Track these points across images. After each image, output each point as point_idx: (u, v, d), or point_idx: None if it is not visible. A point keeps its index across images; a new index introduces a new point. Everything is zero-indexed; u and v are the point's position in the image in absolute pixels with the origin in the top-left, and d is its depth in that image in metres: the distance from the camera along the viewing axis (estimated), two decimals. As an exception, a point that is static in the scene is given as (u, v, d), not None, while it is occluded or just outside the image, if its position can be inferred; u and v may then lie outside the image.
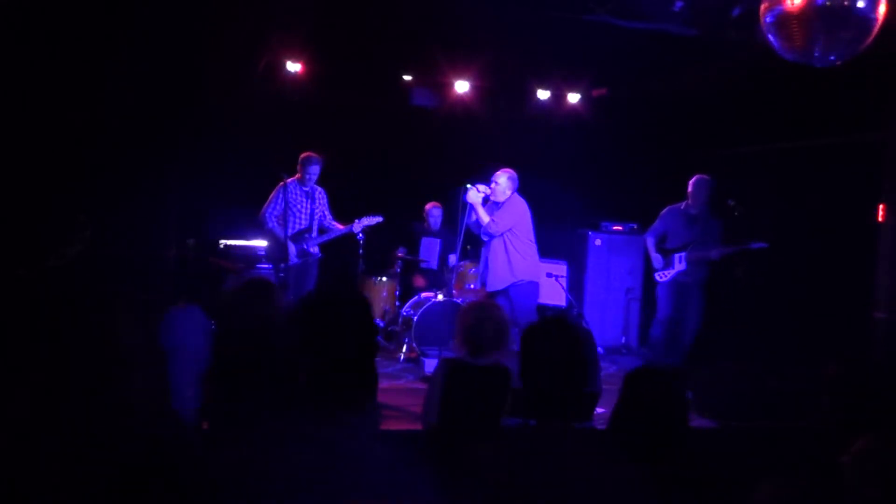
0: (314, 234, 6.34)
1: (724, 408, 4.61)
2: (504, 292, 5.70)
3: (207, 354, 3.52)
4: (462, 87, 7.19)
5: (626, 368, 3.10)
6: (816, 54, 3.55)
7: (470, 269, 6.71)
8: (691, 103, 6.94)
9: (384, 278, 6.92)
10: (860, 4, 3.40)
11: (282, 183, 6.09)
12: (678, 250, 6.08)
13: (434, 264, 7.33)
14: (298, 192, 6.26)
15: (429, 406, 3.23)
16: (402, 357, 6.32)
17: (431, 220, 7.36)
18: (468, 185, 5.65)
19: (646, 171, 7.42)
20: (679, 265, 6.06)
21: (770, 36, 3.66)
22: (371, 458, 1.65)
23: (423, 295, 6.53)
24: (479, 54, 6.65)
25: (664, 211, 6.23)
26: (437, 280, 7.11)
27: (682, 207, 6.13)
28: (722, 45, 5.35)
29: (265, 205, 6.25)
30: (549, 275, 6.70)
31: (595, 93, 7.67)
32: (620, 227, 7.74)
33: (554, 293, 7.08)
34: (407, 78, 7.19)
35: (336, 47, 6.60)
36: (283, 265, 6.13)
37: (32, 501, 1.43)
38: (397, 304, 6.89)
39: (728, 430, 4.44)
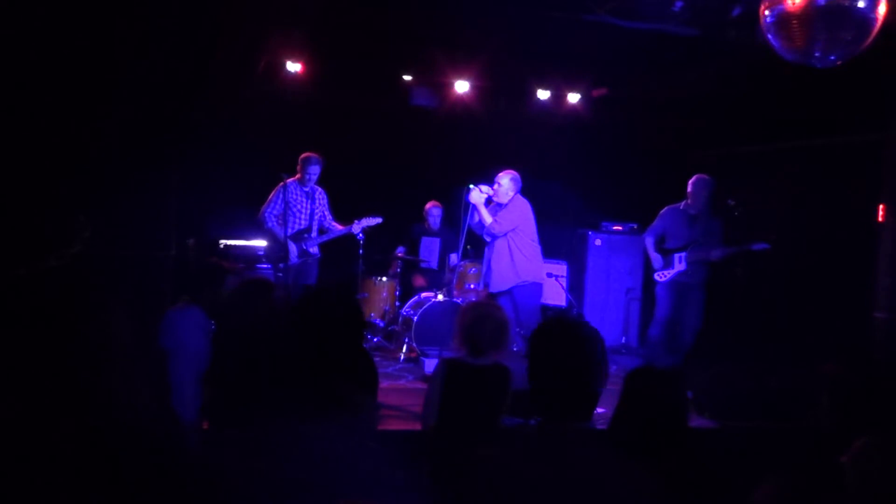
0: (314, 234, 6.34)
1: (724, 408, 4.61)
2: (507, 293, 5.71)
3: (207, 354, 3.52)
4: (462, 87, 7.19)
5: (626, 368, 3.10)
6: (816, 54, 3.55)
7: (470, 269, 6.71)
8: (691, 103, 6.94)
9: (384, 278, 6.92)
10: (860, 4, 3.40)
11: (281, 183, 6.09)
12: (678, 250, 6.07)
13: (434, 264, 7.33)
14: (298, 192, 6.26)
15: (429, 406, 3.23)
16: (402, 357, 6.32)
17: (431, 220, 7.36)
18: (471, 186, 5.66)
19: (646, 171, 7.42)
20: (679, 265, 6.05)
21: (770, 36, 3.66)
22: (365, 457, 1.65)
23: (423, 295, 6.53)
24: (479, 54, 6.64)
25: (663, 211, 6.22)
26: (437, 280, 7.11)
27: (682, 207, 6.12)
28: (722, 44, 5.35)
29: (264, 204, 6.25)
30: (549, 275, 6.70)
31: (595, 93, 7.67)
32: (620, 227, 7.74)
33: (554, 293, 7.08)
34: (407, 78, 7.19)
35: (336, 47, 6.60)
36: (282, 265, 6.14)
37: (32, 501, 1.43)
38: (397, 304, 6.89)
39: (728, 430, 4.44)
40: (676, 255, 6.07)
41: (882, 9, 3.44)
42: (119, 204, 4.91)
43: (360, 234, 6.30)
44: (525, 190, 5.77)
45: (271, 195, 6.23)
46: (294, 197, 6.23)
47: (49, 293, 1.63)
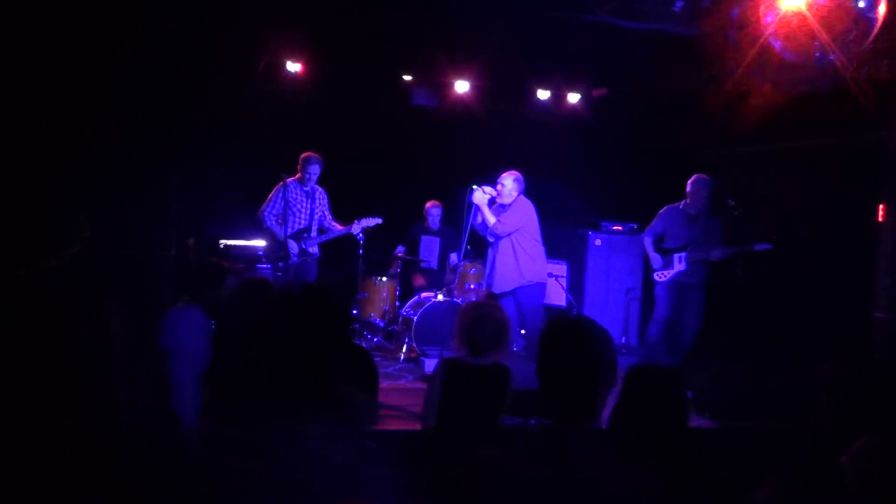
0: (313, 233, 6.34)
1: (724, 408, 4.61)
2: (511, 293, 5.72)
3: (207, 354, 3.52)
4: (462, 87, 7.19)
5: (626, 368, 3.10)
6: (816, 54, 3.55)
7: (470, 269, 6.72)
8: (691, 103, 6.93)
9: (384, 278, 6.92)
10: (860, 4, 3.40)
11: (281, 182, 6.09)
12: (678, 250, 6.06)
13: (434, 264, 7.33)
14: (298, 192, 6.26)
15: (429, 406, 3.23)
16: (402, 357, 6.32)
17: (431, 219, 7.36)
18: (474, 187, 5.67)
19: (646, 171, 7.41)
20: (679, 265, 6.04)
21: (770, 36, 3.66)
22: (362, 456, 1.65)
23: (423, 295, 6.53)
24: (479, 54, 6.64)
25: (662, 210, 6.21)
26: (437, 280, 7.11)
27: (681, 207, 6.11)
28: (722, 44, 5.34)
29: (264, 204, 6.26)
30: (549, 275, 6.70)
31: (595, 93, 7.67)
32: (620, 227, 7.73)
33: (554, 293, 7.08)
34: (407, 78, 7.19)
35: (336, 47, 6.60)
36: (281, 264, 6.14)
37: (30, 500, 1.43)
38: (397, 304, 6.89)
39: (728, 430, 4.44)
40: (676, 255, 6.06)
41: (882, 9, 3.45)
42: (119, 204, 4.91)
43: (360, 235, 6.30)
44: (525, 190, 5.78)
45: (271, 194, 6.24)
46: (294, 196, 6.24)
47: (49, 293, 1.63)
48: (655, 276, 6.18)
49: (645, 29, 5.19)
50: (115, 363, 1.65)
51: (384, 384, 4.90)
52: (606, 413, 2.10)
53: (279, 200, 6.15)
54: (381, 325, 6.86)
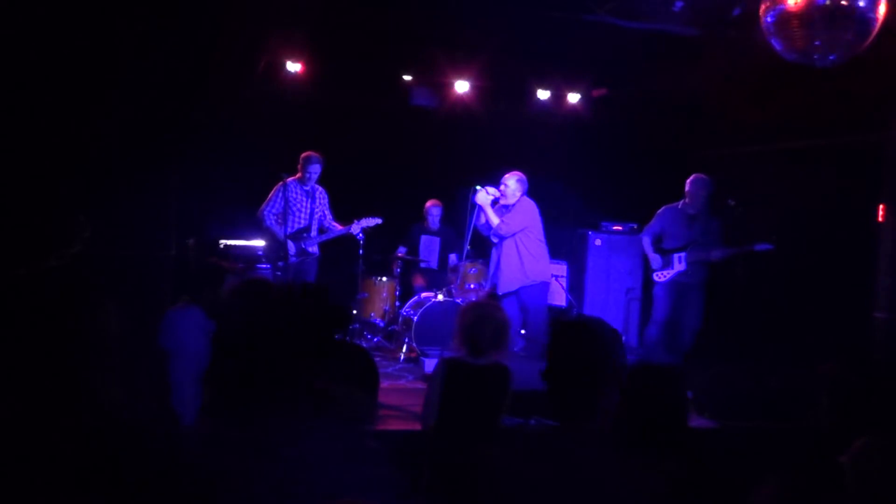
0: (313, 233, 6.34)
1: (724, 408, 4.61)
2: (515, 293, 5.73)
3: (207, 354, 3.52)
4: (462, 87, 7.18)
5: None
6: (816, 55, 3.55)
7: (470, 268, 6.72)
8: (691, 103, 6.93)
9: (384, 278, 6.92)
10: (860, 4, 3.40)
11: (281, 182, 6.10)
12: (677, 250, 6.06)
13: (434, 264, 7.33)
14: (299, 192, 6.26)
15: (428, 406, 3.23)
16: (402, 357, 6.32)
17: (430, 219, 7.36)
18: (478, 188, 5.67)
19: (646, 171, 7.41)
20: (679, 265, 6.03)
21: (770, 36, 3.66)
22: (358, 456, 1.65)
23: (423, 295, 6.53)
24: (479, 54, 6.64)
25: (661, 210, 6.20)
26: (436, 280, 7.11)
27: (680, 207, 6.10)
28: (722, 44, 5.35)
29: (264, 203, 6.26)
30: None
31: (595, 93, 7.67)
32: (620, 227, 7.73)
33: (554, 293, 7.07)
34: (407, 78, 7.19)
35: (336, 47, 6.60)
36: (281, 263, 6.14)
37: (30, 500, 1.43)
38: (397, 304, 6.89)
39: (728, 430, 4.44)
40: (676, 256, 6.05)
41: (882, 9, 3.45)
42: (119, 204, 4.91)
43: (360, 235, 6.30)
44: (527, 190, 5.79)
45: (271, 193, 6.24)
46: (294, 196, 6.24)
47: (49, 293, 1.63)
48: (655, 277, 6.18)
49: (645, 29, 5.19)
50: (114, 363, 1.65)
51: (384, 384, 4.90)
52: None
53: (279, 200, 6.16)
54: (381, 325, 6.86)
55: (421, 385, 5.40)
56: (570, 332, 1.99)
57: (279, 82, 6.82)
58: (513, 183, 5.69)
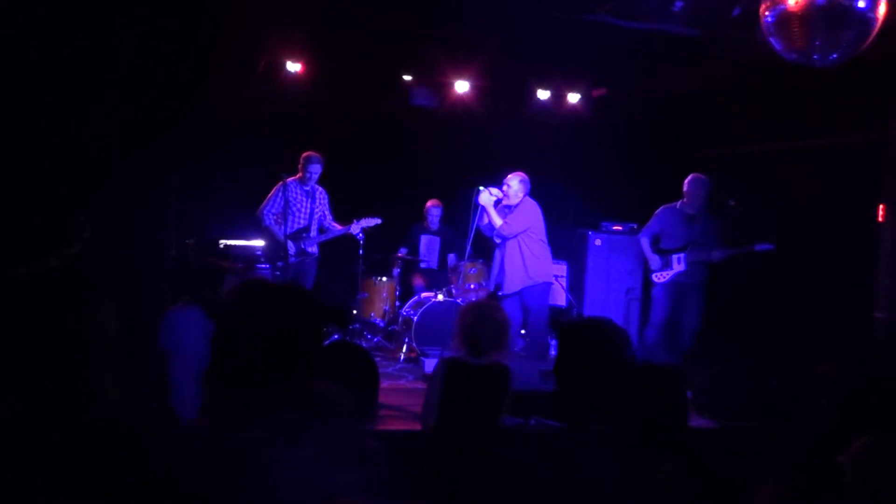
0: (313, 233, 6.34)
1: (724, 408, 4.61)
2: (517, 293, 5.73)
3: (207, 354, 3.52)
4: (462, 87, 7.18)
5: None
6: (816, 55, 3.55)
7: (470, 268, 6.73)
8: (691, 103, 6.93)
9: (384, 278, 6.92)
10: (860, 4, 3.40)
11: (281, 182, 6.10)
12: (677, 251, 6.04)
13: (434, 264, 7.34)
14: (299, 191, 6.26)
15: (428, 406, 3.23)
16: (402, 357, 6.32)
17: (430, 219, 7.37)
18: (481, 188, 5.68)
19: (646, 171, 7.41)
20: (678, 266, 6.02)
21: (770, 36, 3.66)
22: (355, 455, 1.65)
23: (423, 295, 6.53)
24: (479, 54, 6.64)
25: (659, 210, 6.19)
26: (436, 280, 7.11)
27: (678, 206, 6.09)
28: (722, 44, 5.35)
29: (263, 202, 6.26)
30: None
31: (595, 93, 7.67)
32: (620, 227, 7.73)
33: (554, 293, 7.07)
34: (407, 78, 7.19)
35: (336, 47, 6.60)
36: (280, 263, 6.14)
37: (30, 500, 1.43)
38: (397, 304, 6.89)
39: (728, 430, 4.44)
40: (675, 256, 6.04)
41: (882, 9, 3.45)
42: (119, 204, 4.91)
43: (360, 235, 6.30)
44: (529, 190, 5.80)
45: (271, 193, 6.24)
46: (294, 195, 6.24)
47: (49, 293, 1.63)
48: (654, 278, 6.16)
49: (645, 29, 5.19)
50: (114, 363, 1.65)
51: (384, 384, 4.90)
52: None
53: (279, 199, 6.16)
54: (381, 325, 6.86)
55: (421, 385, 5.40)
56: (581, 333, 1.98)
57: (279, 82, 6.82)
58: (515, 183, 5.70)
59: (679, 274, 6.01)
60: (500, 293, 5.89)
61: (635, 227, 7.60)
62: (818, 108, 5.89)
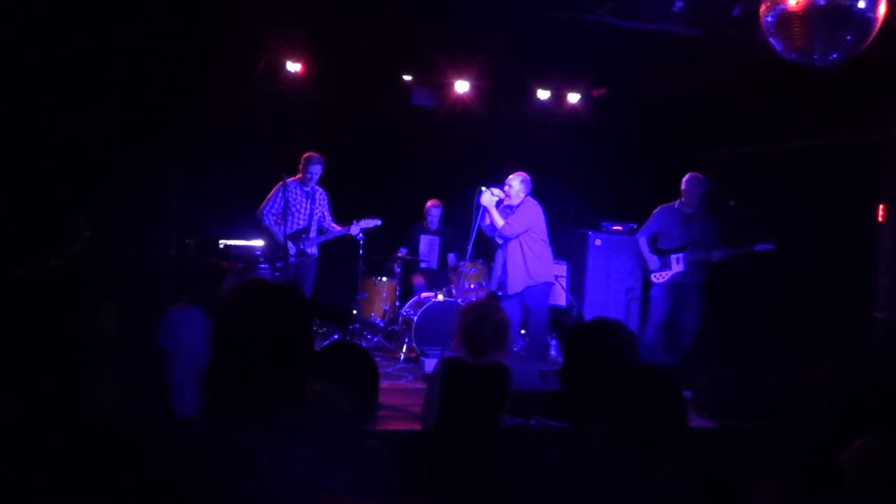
0: (312, 234, 6.34)
1: (724, 408, 4.61)
2: (518, 293, 5.74)
3: (207, 354, 3.52)
4: (462, 87, 7.18)
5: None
6: (816, 55, 3.55)
7: (470, 268, 6.73)
8: (691, 103, 6.93)
9: (384, 278, 6.92)
10: (860, 4, 3.40)
11: (281, 182, 6.10)
12: (675, 251, 6.03)
13: (434, 264, 7.34)
14: (299, 192, 6.26)
15: (428, 406, 3.23)
16: (402, 357, 6.32)
17: (430, 219, 7.37)
18: (483, 189, 5.68)
19: (646, 171, 7.42)
20: (677, 266, 6.00)
21: (770, 36, 3.66)
22: (353, 455, 1.65)
23: (423, 295, 6.53)
24: (479, 54, 6.64)
25: (657, 210, 6.17)
26: (436, 280, 7.11)
27: (676, 206, 6.08)
28: (722, 44, 5.35)
29: (263, 203, 6.26)
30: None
31: (595, 93, 7.67)
32: (620, 227, 7.73)
33: (554, 293, 7.07)
34: (407, 78, 7.19)
35: (336, 47, 6.60)
36: (279, 264, 6.14)
37: (30, 500, 1.43)
38: (397, 304, 6.89)
39: (728, 430, 4.44)
40: (674, 256, 6.02)
41: (882, 9, 3.45)
42: (119, 204, 4.91)
43: (360, 235, 6.31)
44: (530, 191, 5.80)
45: (271, 193, 6.24)
46: (294, 196, 6.24)
47: (49, 293, 1.63)
48: (652, 278, 6.14)
49: (645, 29, 5.19)
50: (114, 363, 1.65)
51: (384, 384, 4.90)
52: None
53: (279, 200, 6.16)
54: (381, 325, 6.86)
55: (421, 385, 5.40)
56: (592, 336, 1.98)
57: (279, 82, 6.82)
58: (517, 184, 5.71)
59: (678, 274, 6.00)
60: (501, 293, 5.89)
61: (635, 227, 7.59)
62: (818, 108, 5.89)
